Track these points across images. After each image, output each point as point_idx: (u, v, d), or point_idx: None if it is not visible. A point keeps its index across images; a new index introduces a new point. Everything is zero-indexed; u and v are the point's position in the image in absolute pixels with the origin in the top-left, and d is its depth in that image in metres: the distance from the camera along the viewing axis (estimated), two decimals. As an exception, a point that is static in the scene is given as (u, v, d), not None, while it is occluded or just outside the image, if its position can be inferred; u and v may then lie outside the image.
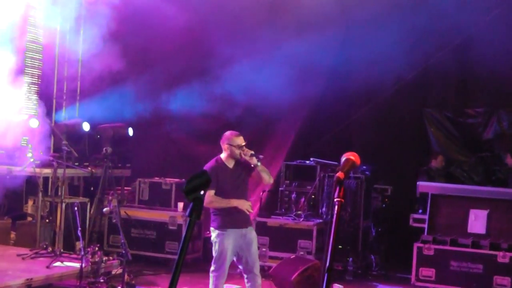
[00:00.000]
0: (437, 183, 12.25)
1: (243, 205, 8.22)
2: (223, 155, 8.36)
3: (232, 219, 8.17)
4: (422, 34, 12.45)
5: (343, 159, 4.20)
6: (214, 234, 8.27)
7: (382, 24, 12.58)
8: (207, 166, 8.33)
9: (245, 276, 8.37)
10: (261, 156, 8.32)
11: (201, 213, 3.16)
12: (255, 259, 8.31)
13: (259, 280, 8.34)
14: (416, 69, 12.87)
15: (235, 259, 8.38)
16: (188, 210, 3.17)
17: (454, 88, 13.68)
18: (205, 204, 7.98)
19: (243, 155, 8.20)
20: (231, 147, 8.24)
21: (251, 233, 8.34)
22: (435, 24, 12.19)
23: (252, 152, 8.21)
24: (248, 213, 8.28)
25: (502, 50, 12.19)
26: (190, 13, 12.98)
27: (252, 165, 8.21)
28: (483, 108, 13.34)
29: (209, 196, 8.05)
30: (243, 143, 8.25)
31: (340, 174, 4.01)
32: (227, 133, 8.38)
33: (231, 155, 8.28)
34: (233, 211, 8.18)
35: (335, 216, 3.94)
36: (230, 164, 8.32)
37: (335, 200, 3.95)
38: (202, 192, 3.16)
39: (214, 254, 8.26)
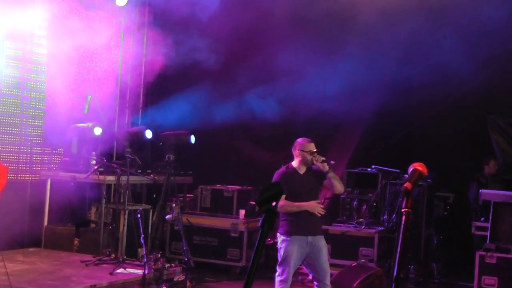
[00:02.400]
0: (498, 190, 12.06)
1: (314, 207, 8.20)
2: (294, 162, 8.39)
3: (298, 226, 8.18)
4: (486, 39, 12.28)
5: (410, 169, 4.19)
6: (279, 239, 8.30)
7: (445, 30, 12.48)
8: (277, 172, 8.41)
9: (315, 283, 8.37)
10: (332, 162, 8.33)
11: (274, 224, 3.18)
12: (326, 269, 8.27)
13: None
14: (479, 76, 12.69)
15: (305, 267, 8.39)
16: (261, 221, 3.20)
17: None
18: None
19: (314, 161, 8.21)
20: (303, 153, 8.27)
21: (320, 241, 8.29)
22: (500, 28, 12.01)
23: (324, 159, 8.21)
24: (319, 215, 8.26)
25: None
26: (255, 20, 13.03)
27: (324, 172, 8.20)
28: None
29: (280, 200, 8.04)
30: (315, 150, 8.27)
31: (407, 185, 4.00)
32: (299, 139, 8.41)
33: (302, 161, 8.30)
34: (301, 218, 8.18)
35: (402, 226, 3.93)
36: (301, 170, 8.34)
37: (402, 210, 3.95)
38: (274, 204, 3.18)
39: (279, 259, 8.28)
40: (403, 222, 3.90)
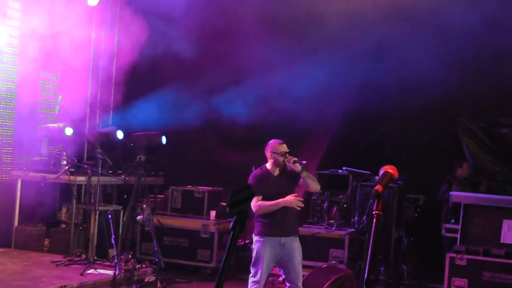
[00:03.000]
0: (468, 193, 12.16)
1: (291, 202, 8.18)
2: (268, 164, 8.40)
3: (271, 227, 8.18)
4: (455, 44, 12.39)
5: (381, 172, 4.22)
6: (254, 240, 8.33)
7: (415, 35, 12.56)
8: (252, 175, 8.44)
9: (287, 285, 8.37)
10: (304, 162, 8.34)
11: (245, 226, 3.21)
12: (298, 270, 8.28)
13: None
14: (449, 79, 12.81)
15: (278, 268, 8.41)
16: (232, 223, 3.21)
17: (487, 98, 13.59)
18: (254, 210, 8.10)
19: (286, 162, 8.24)
20: (274, 154, 8.29)
21: (293, 242, 8.28)
22: (471, 31, 12.12)
23: (295, 159, 8.23)
24: (298, 209, 8.26)
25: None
26: (224, 19, 13.06)
27: (297, 172, 8.23)
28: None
29: (256, 202, 8.11)
30: (287, 150, 8.29)
31: (378, 187, 4.04)
32: (271, 141, 8.43)
33: (275, 163, 8.32)
34: (274, 219, 8.19)
35: (373, 229, 3.97)
36: (275, 172, 8.36)
37: (373, 213, 3.98)
38: (245, 206, 3.20)
39: (252, 259, 8.29)
40: (374, 224, 3.93)
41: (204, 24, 12.83)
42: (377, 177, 11.52)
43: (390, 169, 4.25)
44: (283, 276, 8.44)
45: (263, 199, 8.18)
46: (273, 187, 8.27)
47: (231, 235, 3.22)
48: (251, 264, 8.28)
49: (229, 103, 13.12)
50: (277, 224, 8.19)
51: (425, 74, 12.33)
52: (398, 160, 11.57)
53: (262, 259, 8.15)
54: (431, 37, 12.20)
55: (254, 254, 8.25)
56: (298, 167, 8.22)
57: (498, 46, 12.53)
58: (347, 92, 13.14)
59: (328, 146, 13.72)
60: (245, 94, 13.00)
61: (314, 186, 8.40)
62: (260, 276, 8.16)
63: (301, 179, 8.30)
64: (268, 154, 8.38)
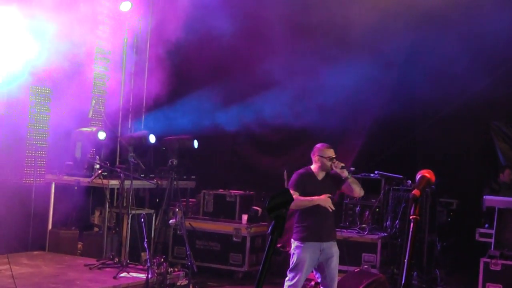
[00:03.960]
0: (503, 197, 12.05)
1: (326, 201, 8.16)
2: (313, 166, 8.39)
3: (312, 232, 8.18)
4: (487, 47, 12.30)
5: (418, 176, 4.20)
6: (293, 245, 8.32)
7: (447, 38, 12.49)
8: (296, 173, 8.42)
9: None
10: (352, 169, 8.35)
11: (283, 231, 3.20)
12: (334, 275, 8.27)
13: None
14: (483, 82, 12.70)
15: (315, 271, 8.40)
16: (270, 228, 3.21)
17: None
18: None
19: (333, 167, 8.23)
20: (322, 158, 8.27)
21: (332, 247, 8.28)
22: (502, 35, 12.02)
23: (343, 165, 8.22)
24: (330, 210, 8.21)
25: None
26: (258, 25, 13.08)
27: (343, 178, 8.23)
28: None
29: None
30: (334, 155, 8.28)
31: (416, 192, 4.01)
32: (318, 145, 8.42)
33: (322, 167, 8.31)
34: (315, 224, 8.19)
35: (410, 233, 3.94)
36: (320, 175, 8.35)
37: (410, 217, 3.95)
38: (284, 210, 3.19)
39: (291, 264, 8.28)
40: (411, 229, 3.91)
41: (236, 28, 12.84)
42: (409, 181, 11.52)
43: (427, 173, 4.22)
44: (318, 280, 8.42)
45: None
46: (317, 189, 8.26)
47: (269, 240, 3.21)
48: (289, 269, 8.27)
49: (261, 108, 13.13)
50: (316, 229, 8.19)
51: (457, 78, 12.25)
52: (430, 164, 11.43)
53: (302, 265, 8.15)
54: (462, 40, 12.10)
55: (293, 259, 8.24)
56: (345, 173, 8.20)
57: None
58: (379, 97, 13.10)
59: (360, 150, 13.66)
60: (276, 99, 13.00)
61: (359, 191, 8.35)
62: (297, 281, 8.15)
63: (346, 184, 8.29)
64: (315, 157, 8.37)
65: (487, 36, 11.91)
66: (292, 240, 8.36)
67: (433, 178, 4.23)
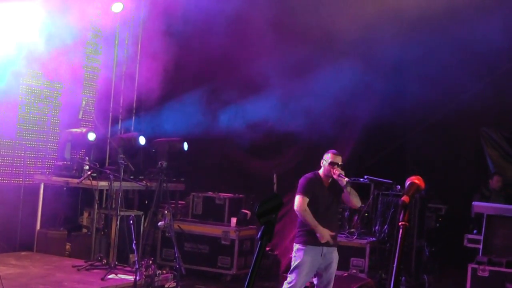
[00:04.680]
0: (492, 203, 12.08)
1: (324, 236, 8.21)
2: (320, 171, 8.47)
3: (314, 237, 8.23)
4: (478, 53, 12.33)
5: (408, 182, 4.21)
6: (295, 248, 8.38)
7: (438, 44, 12.53)
8: (305, 176, 8.48)
9: None
10: (347, 179, 8.32)
11: (272, 236, 3.19)
12: (330, 279, 8.37)
13: None
14: (473, 88, 12.75)
15: (312, 275, 8.43)
16: (260, 233, 3.20)
17: (510, 107, 13.50)
18: (297, 209, 8.19)
19: (332, 174, 8.27)
20: (325, 163, 8.35)
21: (333, 253, 8.38)
22: (491, 43, 12.06)
23: (341, 173, 8.25)
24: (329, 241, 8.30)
25: None
26: (246, 28, 13.09)
27: (342, 186, 8.27)
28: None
29: (304, 203, 8.23)
30: (338, 162, 8.32)
31: (405, 198, 4.02)
32: (329, 150, 8.50)
33: (325, 172, 8.38)
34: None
35: (400, 239, 3.95)
36: (326, 180, 8.43)
37: (400, 224, 3.96)
38: (274, 216, 3.18)
39: (291, 266, 8.35)
40: (400, 235, 3.91)
41: (227, 31, 12.85)
42: (398, 186, 11.51)
43: (416, 179, 4.24)
44: (315, 282, 8.46)
45: (309, 203, 8.24)
46: (321, 194, 8.34)
47: (258, 245, 3.20)
48: (290, 271, 8.36)
49: (251, 111, 13.13)
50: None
51: (447, 84, 12.29)
52: (420, 170, 11.51)
53: (303, 268, 8.21)
54: (452, 47, 12.15)
55: (295, 261, 8.31)
56: (342, 181, 8.24)
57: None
58: (370, 102, 13.12)
59: (350, 155, 13.67)
60: (266, 102, 13.01)
61: (355, 202, 8.45)
62: (296, 284, 8.19)
63: (345, 193, 8.34)
64: (321, 162, 8.45)
65: (477, 43, 11.95)
66: (294, 243, 8.41)
67: (422, 185, 4.25)
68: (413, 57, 12.88)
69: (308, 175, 8.48)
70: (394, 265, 3.90)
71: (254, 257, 3.20)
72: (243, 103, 13.26)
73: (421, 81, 12.73)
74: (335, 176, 8.26)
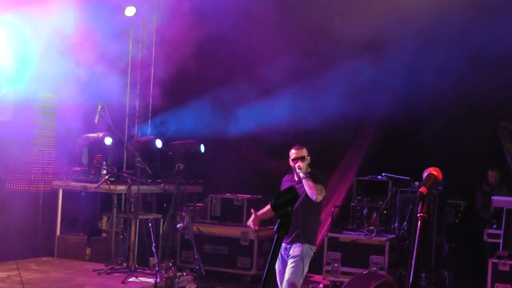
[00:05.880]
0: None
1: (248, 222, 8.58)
2: None
3: None
4: (496, 45, 12.25)
5: (425, 174, 4.18)
6: (309, 249, 8.41)
7: (454, 37, 12.48)
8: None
9: None
10: (303, 173, 8.35)
11: (289, 228, 3.20)
12: (286, 279, 8.28)
13: None
14: (491, 82, 12.67)
15: (281, 272, 8.45)
16: (276, 225, 3.21)
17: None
18: None
19: (295, 168, 8.40)
20: (289, 159, 8.51)
21: (291, 250, 8.36)
22: (507, 35, 11.99)
23: (300, 165, 8.32)
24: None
25: None
26: (259, 30, 13.10)
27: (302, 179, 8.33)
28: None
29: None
30: (297, 157, 8.40)
31: (423, 189, 3.99)
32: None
33: (292, 168, 8.52)
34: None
35: (418, 231, 3.93)
36: (297, 176, 8.49)
37: (418, 215, 3.94)
38: (290, 208, 3.19)
39: (304, 271, 8.37)
40: (418, 227, 3.89)
41: (240, 31, 12.85)
42: (417, 183, 11.46)
43: (434, 171, 4.21)
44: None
45: None
46: None
47: (275, 238, 3.21)
48: (302, 275, 8.38)
49: (267, 110, 13.13)
50: None
51: (466, 76, 12.23)
52: (438, 165, 11.46)
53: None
54: (468, 40, 12.09)
55: (306, 266, 8.36)
56: (300, 173, 8.31)
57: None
58: (386, 98, 13.07)
59: (367, 153, 13.66)
60: (282, 101, 13.01)
61: (311, 194, 8.30)
62: None
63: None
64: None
65: (493, 34, 11.87)
66: (307, 244, 8.36)
67: (440, 176, 4.21)
68: (429, 52, 12.84)
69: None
70: (413, 258, 3.88)
71: (272, 249, 3.21)
72: (258, 103, 13.25)
73: (438, 76, 12.68)
74: (295, 170, 8.37)
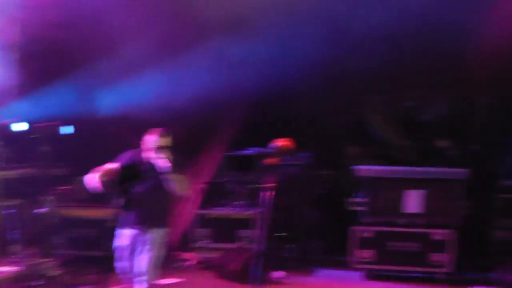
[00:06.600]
0: (374, 166, 12.31)
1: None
2: None
3: None
4: (363, 20, 12.43)
5: (273, 145, 4.18)
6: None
7: (322, 11, 12.61)
8: None
9: None
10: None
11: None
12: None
13: None
14: (357, 55, 12.89)
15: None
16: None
17: (390, 72, 13.72)
18: None
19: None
20: None
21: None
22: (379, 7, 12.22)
23: (168, 164, 8.22)
24: None
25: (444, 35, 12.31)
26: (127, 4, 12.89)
27: None
28: (420, 91, 13.45)
29: None
30: (159, 143, 8.48)
31: (271, 160, 3.98)
32: None
33: None
34: None
35: (268, 201, 3.92)
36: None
37: (266, 185, 3.93)
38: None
39: None
40: (268, 197, 3.88)
41: (107, 5, 12.60)
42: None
43: (284, 141, 4.20)
44: None
45: None
46: None
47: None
48: None
49: (136, 91, 12.98)
50: None
51: (331, 52, 12.39)
52: (306, 138, 11.69)
53: None
54: (336, 14, 12.26)
55: None
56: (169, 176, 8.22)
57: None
58: (255, 75, 13.11)
59: (238, 129, 13.69)
60: (153, 81, 12.90)
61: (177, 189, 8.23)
62: None
63: None
64: None
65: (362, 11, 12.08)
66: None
67: (291, 145, 4.22)
68: (297, 27, 12.93)
69: None
70: (264, 225, 3.86)
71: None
72: (127, 83, 13.08)
73: (305, 50, 12.80)
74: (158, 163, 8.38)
